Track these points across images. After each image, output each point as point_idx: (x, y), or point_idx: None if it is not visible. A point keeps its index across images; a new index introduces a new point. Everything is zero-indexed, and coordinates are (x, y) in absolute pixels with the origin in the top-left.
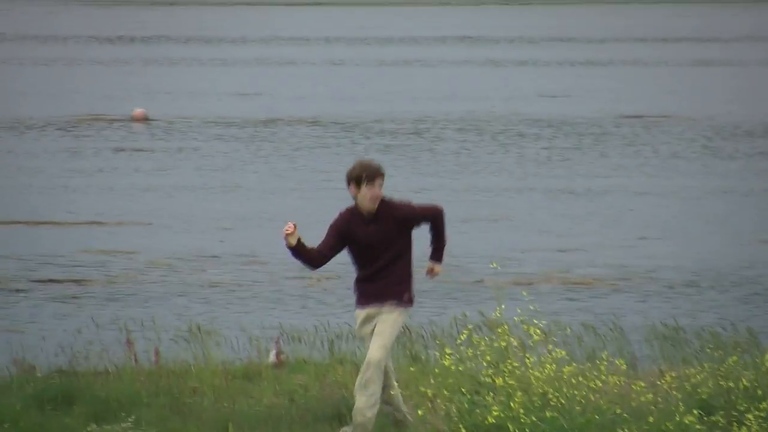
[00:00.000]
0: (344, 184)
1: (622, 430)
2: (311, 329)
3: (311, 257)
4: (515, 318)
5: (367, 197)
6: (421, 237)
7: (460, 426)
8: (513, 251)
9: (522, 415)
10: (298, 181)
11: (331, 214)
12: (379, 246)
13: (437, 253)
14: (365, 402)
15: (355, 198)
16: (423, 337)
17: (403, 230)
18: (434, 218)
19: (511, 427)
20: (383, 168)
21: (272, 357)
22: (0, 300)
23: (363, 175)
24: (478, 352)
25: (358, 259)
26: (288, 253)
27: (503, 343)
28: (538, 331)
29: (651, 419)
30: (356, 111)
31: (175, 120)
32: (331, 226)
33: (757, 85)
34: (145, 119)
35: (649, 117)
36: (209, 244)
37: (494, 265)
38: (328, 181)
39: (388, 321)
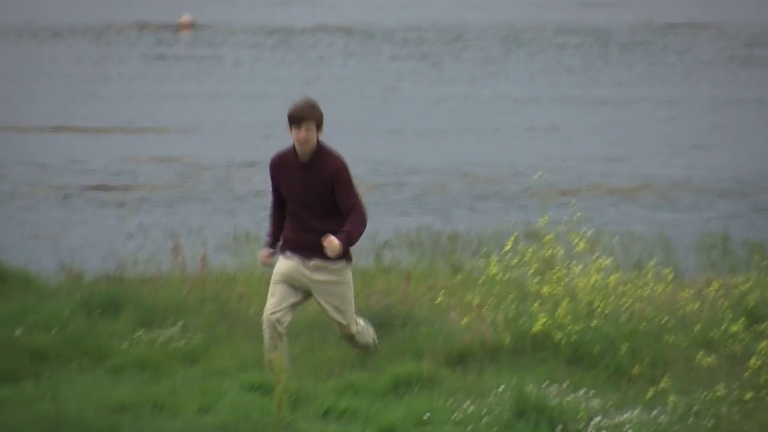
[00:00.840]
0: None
1: (669, 337)
2: (363, 235)
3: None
4: (561, 227)
5: (295, 139)
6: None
7: (506, 334)
8: (558, 160)
9: (568, 323)
10: (336, 90)
11: (361, 120)
12: (309, 193)
13: (342, 234)
14: (370, 341)
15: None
16: (469, 244)
17: (331, 188)
18: (352, 216)
19: (557, 335)
20: (317, 112)
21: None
22: (48, 206)
23: (292, 116)
24: (524, 261)
25: (290, 204)
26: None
27: (549, 252)
28: (583, 239)
29: (697, 327)
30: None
31: (221, 27)
32: (269, 171)
33: None
34: (191, 26)
35: (692, 24)
36: (254, 152)
37: (539, 174)
38: (360, 88)
39: (334, 294)
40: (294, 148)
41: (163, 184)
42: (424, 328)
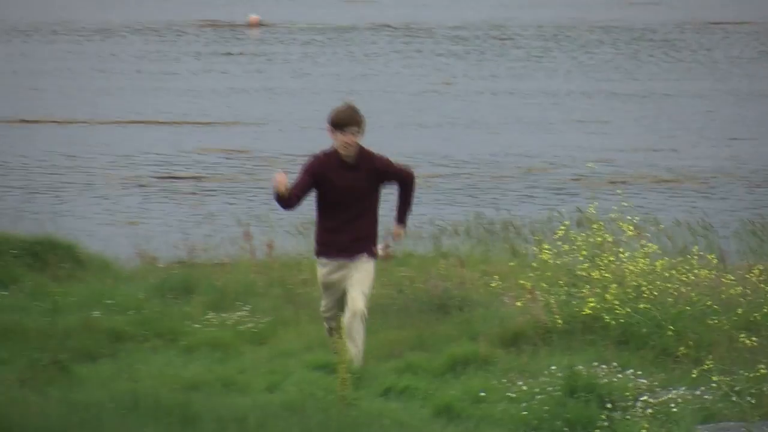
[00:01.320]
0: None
1: (713, 320)
2: (416, 224)
3: (288, 200)
4: (610, 214)
5: (340, 143)
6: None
7: (558, 316)
8: (606, 151)
9: (617, 307)
10: (392, 84)
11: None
12: (354, 194)
13: (403, 216)
14: (356, 352)
15: (335, 148)
16: (522, 231)
17: (378, 183)
18: (407, 180)
19: (606, 317)
20: (359, 117)
21: (380, 250)
22: (124, 195)
23: (337, 121)
24: (575, 247)
25: (328, 206)
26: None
27: (599, 239)
28: (631, 227)
29: (740, 311)
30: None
31: (287, 25)
32: (306, 169)
33: None
34: (259, 25)
35: (729, 23)
36: (315, 144)
37: (590, 164)
38: (415, 84)
39: (364, 270)
40: (336, 151)
41: (232, 174)
42: (480, 310)
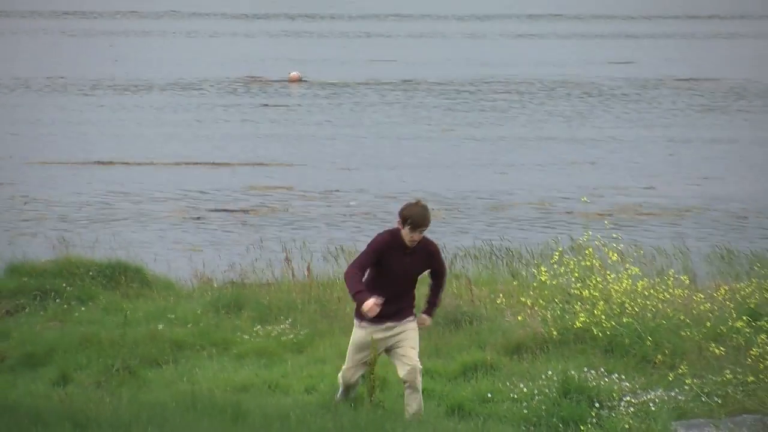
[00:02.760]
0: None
1: (685, 332)
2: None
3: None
4: (597, 242)
5: (407, 238)
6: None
7: (553, 329)
8: (593, 188)
9: (604, 321)
10: (411, 131)
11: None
12: (408, 274)
13: (432, 309)
14: (419, 403)
15: (400, 230)
16: (524, 256)
17: (426, 268)
18: (443, 275)
19: (595, 330)
20: (430, 218)
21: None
22: (184, 226)
23: (409, 220)
24: (568, 270)
25: (383, 281)
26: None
27: (588, 263)
28: (615, 253)
29: (708, 324)
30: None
31: (324, 81)
32: (373, 248)
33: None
34: (299, 80)
35: (696, 80)
36: (344, 182)
37: (584, 199)
38: (424, 132)
39: (413, 332)
40: (399, 234)
41: (275, 207)
42: (487, 324)
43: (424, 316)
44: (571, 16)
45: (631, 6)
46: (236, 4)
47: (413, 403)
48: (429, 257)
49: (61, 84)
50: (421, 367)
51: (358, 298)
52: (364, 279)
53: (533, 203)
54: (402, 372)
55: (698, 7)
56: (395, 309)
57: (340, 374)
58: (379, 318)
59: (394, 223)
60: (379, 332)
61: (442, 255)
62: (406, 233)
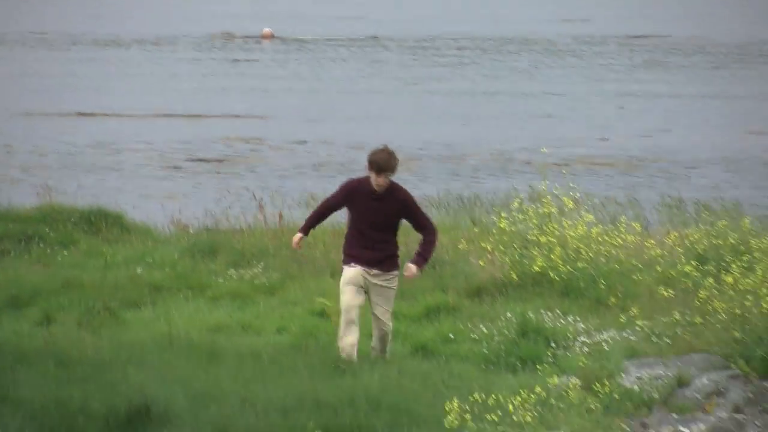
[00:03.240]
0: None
1: (637, 276)
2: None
3: (315, 225)
4: (555, 191)
5: (374, 182)
6: None
7: (513, 273)
8: (552, 140)
9: (560, 265)
10: (377, 85)
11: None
12: (380, 220)
13: (419, 258)
14: (386, 350)
15: (369, 177)
16: (485, 203)
17: (399, 216)
18: (425, 227)
19: (551, 274)
20: (395, 162)
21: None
22: (161, 175)
23: (375, 164)
24: (527, 217)
25: (357, 225)
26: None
27: (546, 210)
28: (572, 201)
29: (659, 268)
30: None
31: (295, 38)
32: (340, 189)
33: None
34: (272, 37)
35: (646, 37)
36: (314, 133)
37: (544, 150)
38: (384, 86)
39: (391, 291)
40: (368, 180)
41: (248, 157)
42: (449, 268)
43: (410, 264)
44: None
45: None
46: None
47: (380, 348)
48: (400, 205)
49: (44, 39)
50: (391, 327)
51: (299, 229)
52: (346, 234)
53: (494, 154)
54: (374, 332)
55: None
56: (378, 257)
57: (341, 318)
58: (366, 264)
59: (362, 172)
60: (366, 275)
61: (420, 207)
62: (373, 177)
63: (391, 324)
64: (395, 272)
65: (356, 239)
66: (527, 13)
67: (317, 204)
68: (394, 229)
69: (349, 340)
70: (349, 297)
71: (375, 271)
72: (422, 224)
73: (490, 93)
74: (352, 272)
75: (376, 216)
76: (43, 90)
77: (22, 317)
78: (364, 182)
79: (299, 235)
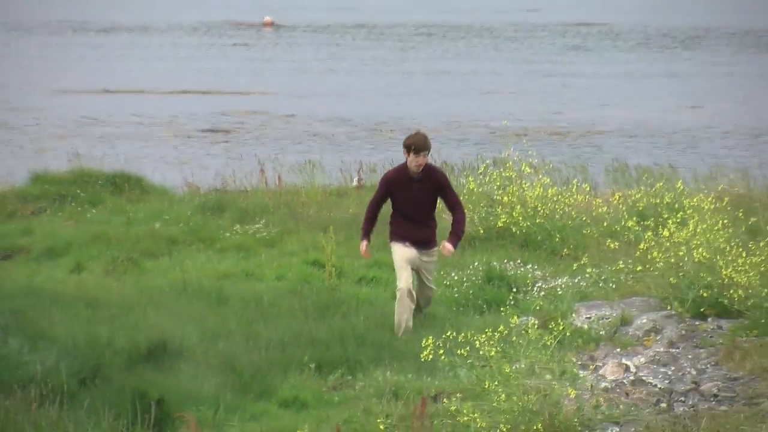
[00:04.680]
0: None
1: (586, 231)
2: (383, 162)
3: (372, 228)
4: (516, 157)
5: (413, 164)
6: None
7: (480, 228)
8: (513, 113)
9: (520, 221)
10: (358, 67)
11: (376, 86)
12: (420, 202)
13: (454, 237)
14: (402, 312)
15: (405, 164)
16: (456, 169)
17: (436, 194)
18: (456, 207)
19: (513, 229)
20: (430, 143)
21: (355, 181)
22: (176, 143)
23: (412, 146)
24: (492, 180)
25: (401, 209)
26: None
27: (508, 174)
28: (530, 166)
29: (605, 224)
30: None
31: (294, 26)
32: (381, 185)
33: None
34: (272, 24)
35: (593, 24)
36: (310, 107)
37: (505, 122)
38: (367, 67)
39: (432, 264)
40: (405, 166)
41: (252, 128)
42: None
43: (446, 243)
44: None
45: None
46: None
47: (424, 305)
48: (436, 185)
49: (74, 27)
50: (435, 290)
51: (361, 238)
52: (391, 214)
53: (463, 125)
54: (421, 300)
55: None
56: (421, 237)
57: (398, 295)
58: (415, 245)
59: (349, 142)
60: (417, 255)
61: (452, 188)
62: (411, 159)
63: (435, 288)
64: (437, 247)
65: (402, 221)
66: (488, 3)
67: (366, 208)
68: (433, 207)
69: (406, 317)
70: (406, 278)
71: (422, 250)
72: (454, 204)
73: (458, 73)
74: (407, 253)
75: (417, 197)
76: (74, 71)
77: (56, 266)
78: (400, 171)
79: (365, 242)
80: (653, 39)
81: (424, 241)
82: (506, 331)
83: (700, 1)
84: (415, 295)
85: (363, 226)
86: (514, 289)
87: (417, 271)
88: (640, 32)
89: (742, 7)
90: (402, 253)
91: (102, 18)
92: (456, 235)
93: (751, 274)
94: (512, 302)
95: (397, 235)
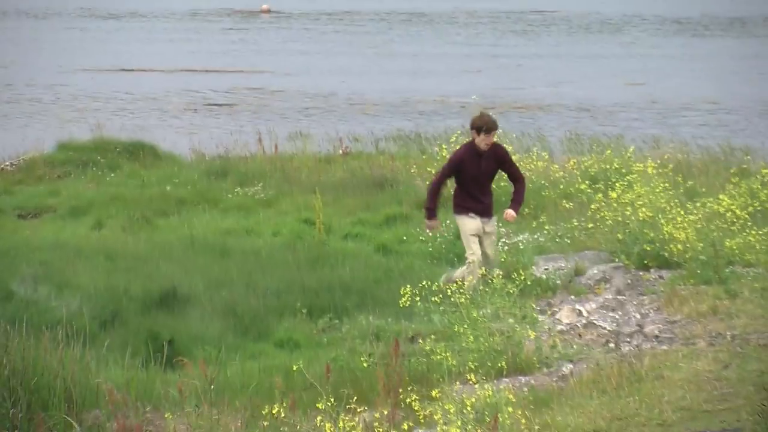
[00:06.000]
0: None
1: (545, 193)
2: (366, 133)
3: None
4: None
5: (483, 143)
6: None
7: (451, 190)
8: (483, 89)
9: None
10: (345, 49)
11: (368, 68)
12: (485, 175)
13: (516, 204)
14: (468, 278)
15: (473, 139)
16: (430, 138)
17: (498, 168)
18: (519, 178)
19: None
20: (498, 123)
21: (341, 150)
22: (185, 116)
23: (484, 126)
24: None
25: (467, 183)
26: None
27: None
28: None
29: (561, 187)
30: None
31: (288, 13)
32: (453, 161)
33: None
34: (269, 11)
35: (546, 11)
36: (302, 84)
37: (474, 97)
38: (361, 50)
39: (494, 234)
40: (472, 144)
41: (252, 102)
42: (403, 186)
43: (509, 210)
44: None
45: None
46: None
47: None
48: (499, 158)
49: (92, 12)
50: (498, 253)
51: (426, 213)
52: (454, 189)
53: (436, 100)
54: (487, 265)
55: None
56: (482, 207)
57: (468, 263)
58: (480, 215)
59: (352, 113)
60: (481, 225)
61: (513, 160)
62: (482, 139)
63: (497, 250)
64: (495, 216)
65: (468, 194)
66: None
67: (436, 174)
68: (493, 179)
69: (476, 283)
70: (477, 248)
71: (486, 220)
72: (516, 175)
73: (430, 54)
74: (474, 224)
75: (484, 171)
76: (96, 52)
77: (80, 223)
78: (469, 148)
79: (435, 221)
80: (594, 25)
81: (486, 210)
82: (474, 281)
83: None
84: (481, 264)
85: (429, 204)
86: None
87: (480, 238)
88: (588, 17)
89: None
90: (470, 225)
91: (107, 5)
92: (518, 202)
93: (688, 230)
94: None
95: (464, 207)
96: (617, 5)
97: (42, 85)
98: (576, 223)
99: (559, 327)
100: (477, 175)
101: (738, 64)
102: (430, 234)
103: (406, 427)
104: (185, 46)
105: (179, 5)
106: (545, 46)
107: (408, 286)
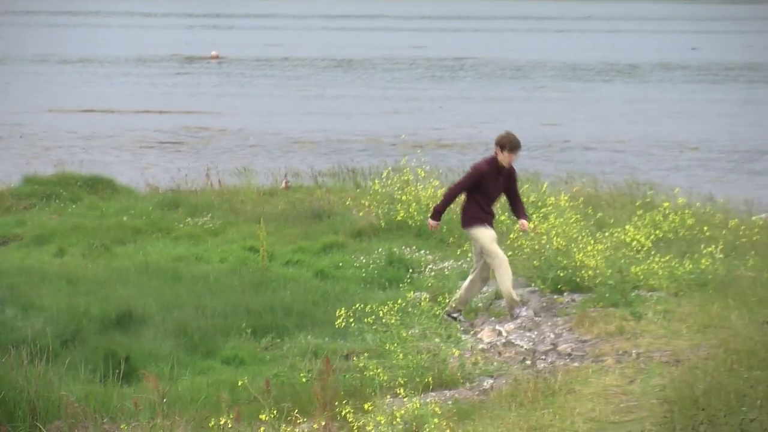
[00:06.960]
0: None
1: None
2: (306, 168)
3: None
4: (412, 164)
5: (506, 160)
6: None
7: (383, 221)
8: (412, 128)
9: (416, 216)
10: (283, 92)
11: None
12: (500, 191)
13: (525, 217)
14: (509, 282)
15: (496, 155)
16: (364, 173)
17: (509, 182)
18: (519, 197)
19: (410, 221)
20: (521, 144)
21: (283, 184)
22: (140, 152)
23: (508, 145)
24: (393, 182)
25: (481, 196)
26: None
27: (406, 177)
28: (423, 171)
29: None
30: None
31: (237, 59)
32: (475, 172)
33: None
34: (218, 58)
35: (468, 58)
36: (251, 124)
37: (404, 136)
38: (293, 92)
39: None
40: (494, 160)
41: (199, 140)
42: (339, 217)
43: (523, 221)
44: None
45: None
46: (175, 5)
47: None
48: (511, 178)
49: (55, 59)
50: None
51: (433, 213)
52: (463, 204)
53: (370, 138)
54: (488, 275)
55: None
56: (492, 219)
57: (503, 265)
58: (488, 222)
59: (293, 150)
60: (491, 231)
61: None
62: (505, 156)
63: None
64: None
65: (481, 206)
66: (385, 42)
67: (454, 182)
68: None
69: (508, 279)
70: (502, 252)
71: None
72: (518, 194)
73: (360, 96)
74: (492, 232)
75: (500, 187)
76: (57, 94)
77: (44, 250)
78: (491, 164)
79: (437, 223)
80: (509, 71)
81: (492, 223)
82: (404, 304)
83: (548, 41)
84: None
85: (440, 207)
86: (411, 270)
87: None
88: (508, 63)
89: (573, 45)
90: (490, 234)
91: (61, 52)
92: (526, 215)
93: (598, 258)
94: (409, 280)
95: (479, 219)
96: (527, 53)
97: (6, 124)
98: None
99: (481, 345)
100: (492, 189)
101: (628, 107)
102: (430, 231)
103: None
104: (139, 89)
105: (131, 53)
106: (463, 90)
107: (343, 308)
